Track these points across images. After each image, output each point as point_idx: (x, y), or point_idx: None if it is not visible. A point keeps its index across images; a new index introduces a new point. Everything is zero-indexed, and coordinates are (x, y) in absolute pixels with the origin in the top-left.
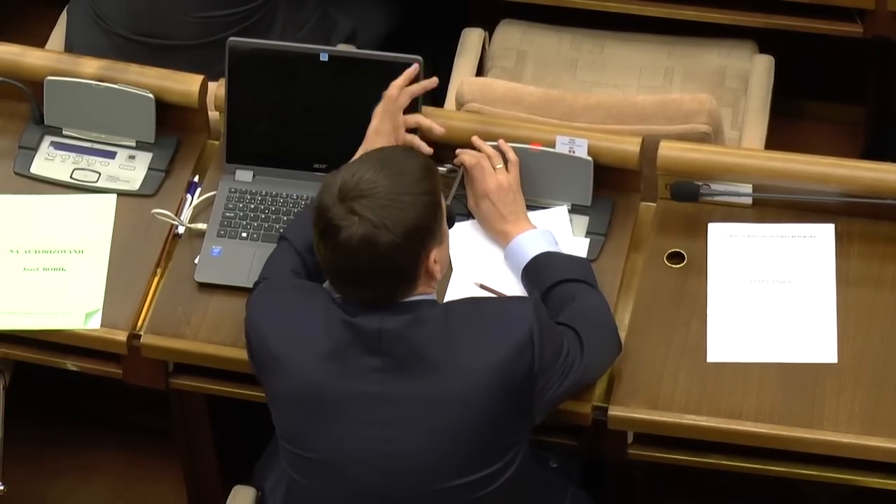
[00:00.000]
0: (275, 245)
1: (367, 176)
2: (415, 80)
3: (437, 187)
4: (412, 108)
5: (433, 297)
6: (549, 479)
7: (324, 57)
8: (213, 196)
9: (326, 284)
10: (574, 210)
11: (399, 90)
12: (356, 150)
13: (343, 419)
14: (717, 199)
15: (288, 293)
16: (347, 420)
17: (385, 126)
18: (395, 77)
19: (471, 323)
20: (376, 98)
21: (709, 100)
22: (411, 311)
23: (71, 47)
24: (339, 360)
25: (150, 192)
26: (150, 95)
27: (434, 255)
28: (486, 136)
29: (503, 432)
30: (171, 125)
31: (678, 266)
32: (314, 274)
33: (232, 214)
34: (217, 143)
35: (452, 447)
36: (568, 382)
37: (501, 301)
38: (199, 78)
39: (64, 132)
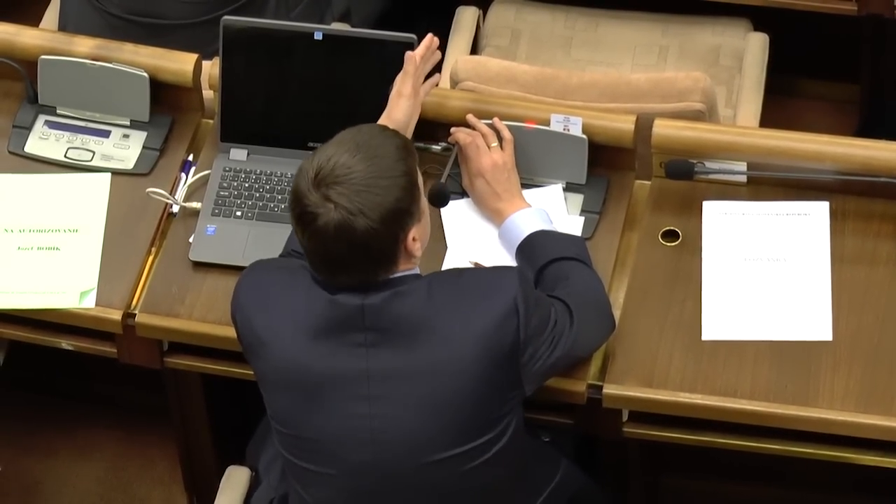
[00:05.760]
0: (269, 223)
1: (342, 160)
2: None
3: (414, 167)
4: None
5: (416, 271)
6: (542, 451)
7: (318, 35)
8: (208, 175)
9: None
10: (569, 188)
11: (422, 58)
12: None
13: (330, 397)
14: (711, 177)
15: (272, 274)
16: (335, 398)
17: (407, 89)
18: (389, 55)
19: (455, 293)
20: (371, 76)
21: (703, 78)
22: (394, 286)
23: (65, 26)
24: (323, 338)
25: (144, 171)
26: (145, 74)
27: (413, 233)
28: (481, 115)
29: (492, 402)
30: (166, 104)
31: (673, 244)
32: None
33: (226, 193)
34: (211, 121)
35: (441, 418)
36: (557, 353)
37: (485, 270)
38: (193, 57)
39: (58, 111)
